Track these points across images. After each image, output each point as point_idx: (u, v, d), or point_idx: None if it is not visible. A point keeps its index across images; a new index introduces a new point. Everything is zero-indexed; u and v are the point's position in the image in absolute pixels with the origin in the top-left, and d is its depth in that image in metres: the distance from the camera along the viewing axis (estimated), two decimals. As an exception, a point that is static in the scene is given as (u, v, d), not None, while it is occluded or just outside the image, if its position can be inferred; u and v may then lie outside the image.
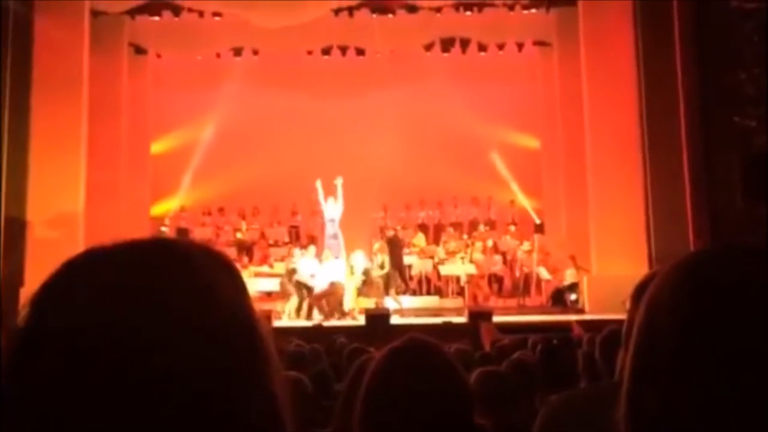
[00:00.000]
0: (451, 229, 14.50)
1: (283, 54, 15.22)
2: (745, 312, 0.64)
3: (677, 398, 0.65)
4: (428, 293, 13.17)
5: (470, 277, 12.80)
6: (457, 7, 14.09)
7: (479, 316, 9.95)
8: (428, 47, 15.41)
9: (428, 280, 13.35)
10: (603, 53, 12.13)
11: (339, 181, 12.25)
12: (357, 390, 1.45)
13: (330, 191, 12.53)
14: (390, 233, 13.30)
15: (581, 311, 11.56)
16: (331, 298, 11.18)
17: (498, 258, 13.55)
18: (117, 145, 13.69)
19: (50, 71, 11.77)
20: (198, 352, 0.62)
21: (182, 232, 14.24)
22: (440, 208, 15.00)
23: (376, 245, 12.75)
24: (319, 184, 12.38)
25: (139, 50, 15.06)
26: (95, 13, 12.90)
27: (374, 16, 14.39)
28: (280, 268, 12.40)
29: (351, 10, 14.08)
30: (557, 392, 2.49)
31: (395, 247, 12.74)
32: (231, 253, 12.75)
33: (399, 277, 12.46)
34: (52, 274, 0.65)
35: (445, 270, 13.06)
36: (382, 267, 11.96)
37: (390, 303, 11.47)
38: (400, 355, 1.44)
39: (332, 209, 12.24)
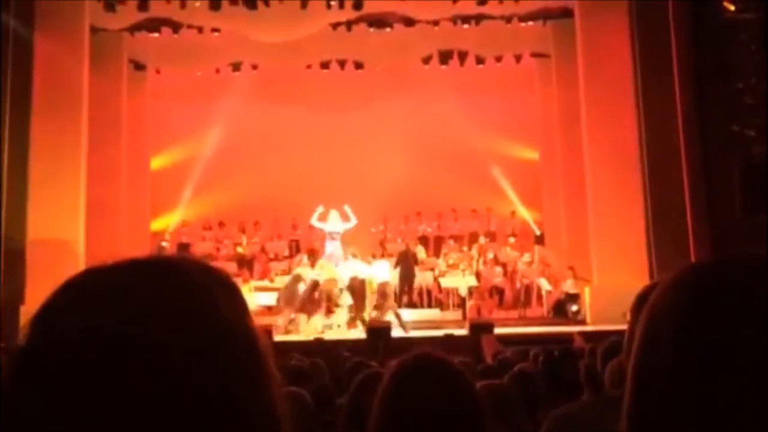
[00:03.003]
0: (451, 242, 14.50)
1: (281, 69, 15.28)
2: (745, 323, 0.64)
3: (678, 410, 0.64)
4: (429, 306, 13.14)
5: (471, 289, 12.78)
6: (454, 20, 14.17)
7: (480, 328, 9.92)
8: (426, 60, 15.48)
9: (429, 293, 13.33)
10: (600, 64, 12.18)
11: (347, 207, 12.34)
12: (360, 404, 1.45)
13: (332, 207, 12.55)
14: (400, 247, 13.44)
15: (582, 322, 11.53)
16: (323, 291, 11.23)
17: (498, 270, 13.54)
18: (117, 161, 13.73)
19: (50, 88, 11.82)
20: (198, 369, 0.62)
21: (183, 246, 14.26)
22: (440, 221, 15.01)
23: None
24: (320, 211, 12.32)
25: (139, 66, 15.13)
26: (95, 30, 12.97)
27: (372, 30, 14.47)
28: (280, 282, 12.38)
29: (349, 24, 14.16)
30: (560, 404, 2.48)
31: (407, 261, 12.76)
32: (231, 267, 12.75)
33: (407, 290, 12.55)
34: (53, 293, 0.65)
35: (446, 282, 13.04)
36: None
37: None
38: (412, 370, 1.44)
39: (335, 224, 12.19)
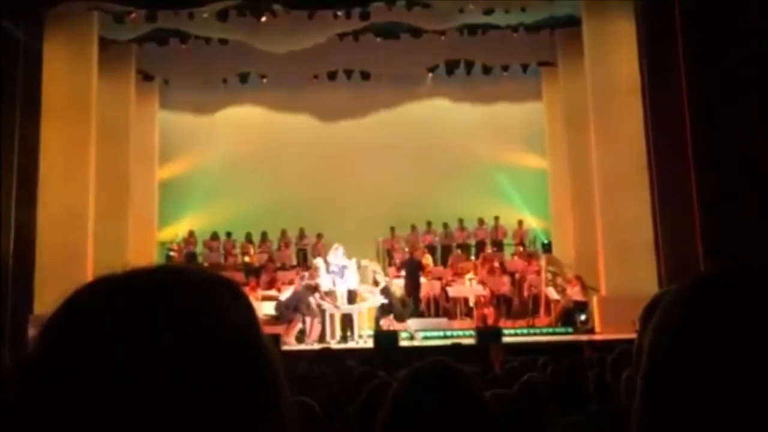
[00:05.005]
0: (458, 251, 14.49)
1: (289, 79, 15.35)
2: (751, 333, 0.63)
3: (687, 423, 0.64)
4: (437, 315, 13.11)
5: (478, 298, 12.74)
6: (461, 30, 14.21)
7: (489, 337, 9.89)
8: (433, 70, 15.53)
9: (436, 302, 13.30)
10: (607, 72, 12.19)
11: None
12: (369, 414, 1.44)
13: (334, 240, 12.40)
14: (407, 256, 13.45)
15: (591, 331, 11.48)
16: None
17: (506, 279, 13.49)
18: (125, 171, 13.79)
19: (59, 99, 11.92)
20: (207, 376, 0.62)
21: (190, 256, 14.28)
22: (447, 229, 15.00)
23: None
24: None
25: (147, 77, 15.22)
26: (104, 41, 13.07)
27: (379, 40, 14.52)
28: (288, 292, 12.36)
29: (356, 34, 14.22)
30: (568, 414, 2.47)
31: (412, 270, 12.73)
32: (239, 277, 12.76)
33: (413, 300, 12.52)
34: (62, 303, 0.65)
35: (454, 291, 13.01)
36: None
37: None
38: (422, 377, 1.44)
39: (339, 259, 11.87)
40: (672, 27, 10.58)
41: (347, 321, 11.53)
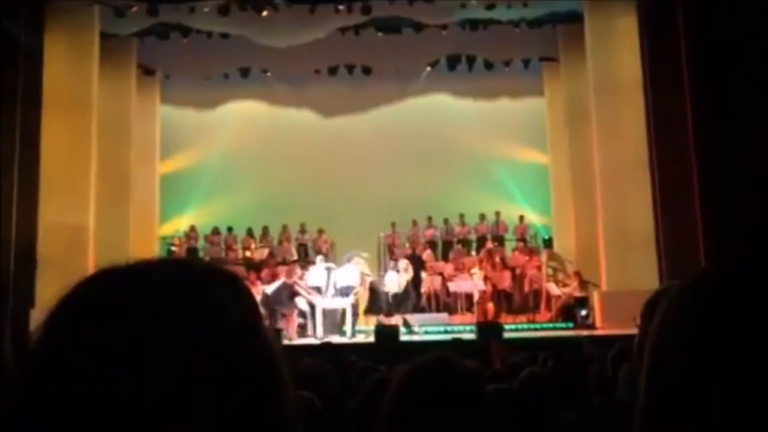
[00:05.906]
0: (459, 246, 14.49)
1: (290, 73, 15.34)
2: (757, 334, 0.63)
3: (690, 421, 0.64)
4: (437, 310, 13.13)
5: (480, 293, 12.75)
6: (462, 25, 14.18)
7: (490, 332, 9.90)
8: (434, 64, 15.51)
9: (437, 297, 13.31)
10: (609, 67, 12.17)
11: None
12: (370, 408, 1.44)
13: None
14: (408, 251, 13.48)
15: (592, 327, 11.49)
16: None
17: (507, 274, 13.50)
18: (126, 166, 13.79)
19: (60, 94, 11.91)
20: (208, 370, 0.62)
21: (191, 251, 14.29)
22: (447, 225, 15.01)
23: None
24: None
25: (148, 71, 15.21)
26: (104, 35, 13.05)
27: (380, 34, 14.49)
28: (273, 286, 12.35)
29: (357, 28, 14.19)
30: (569, 410, 2.47)
31: (414, 265, 12.75)
32: (239, 271, 12.75)
33: (415, 296, 12.55)
34: (64, 295, 0.65)
35: (455, 286, 13.02)
36: None
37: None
38: (423, 372, 1.44)
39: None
40: (674, 23, 10.56)
41: (341, 316, 11.52)
